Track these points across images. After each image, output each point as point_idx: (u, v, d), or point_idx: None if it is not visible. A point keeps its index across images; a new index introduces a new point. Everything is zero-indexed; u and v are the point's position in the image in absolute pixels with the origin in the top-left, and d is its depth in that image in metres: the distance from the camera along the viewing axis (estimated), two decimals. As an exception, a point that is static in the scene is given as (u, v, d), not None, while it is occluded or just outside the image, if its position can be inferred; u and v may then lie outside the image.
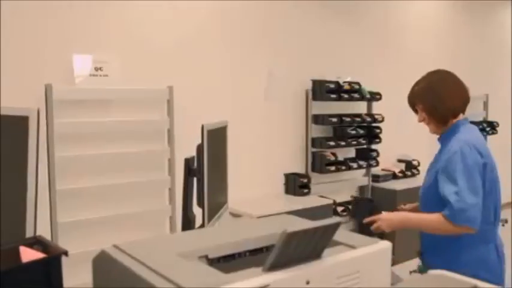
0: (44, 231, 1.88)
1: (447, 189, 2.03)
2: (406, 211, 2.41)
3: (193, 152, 2.47)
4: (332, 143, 4.90)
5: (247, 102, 4.52)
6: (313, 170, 4.93)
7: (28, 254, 1.31)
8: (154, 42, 3.94)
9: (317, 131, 5.02)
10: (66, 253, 1.28)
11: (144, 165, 3.91)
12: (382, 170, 5.52)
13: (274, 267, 1.13)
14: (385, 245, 1.36)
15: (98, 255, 1.29)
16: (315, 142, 4.93)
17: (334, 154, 4.95)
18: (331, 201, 4.71)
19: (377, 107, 5.40)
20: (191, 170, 2.39)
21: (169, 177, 3.95)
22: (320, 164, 4.90)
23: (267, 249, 1.42)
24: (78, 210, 3.56)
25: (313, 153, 4.95)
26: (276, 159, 4.77)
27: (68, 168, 3.48)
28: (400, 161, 5.71)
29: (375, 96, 5.25)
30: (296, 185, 4.73)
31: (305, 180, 4.76)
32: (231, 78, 4.41)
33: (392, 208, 2.47)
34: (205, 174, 2.18)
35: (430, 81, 2.26)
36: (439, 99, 2.20)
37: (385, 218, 2.21)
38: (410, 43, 5.98)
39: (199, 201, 2.26)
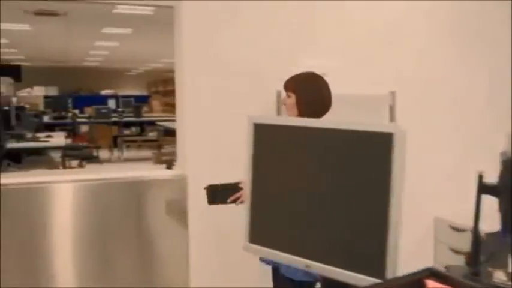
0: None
1: None
2: None
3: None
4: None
5: (467, 108, 4.17)
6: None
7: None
8: (376, 45, 3.80)
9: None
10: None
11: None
12: None
13: None
14: None
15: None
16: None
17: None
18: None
19: None
20: (485, 186, 2.17)
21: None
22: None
23: None
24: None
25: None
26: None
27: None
28: None
29: None
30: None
31: None
32: (452, 83, 4.11)
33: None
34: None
35: (315, 79, 2.64)
36: (315, 94, 2.59)
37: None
38: None
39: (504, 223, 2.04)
